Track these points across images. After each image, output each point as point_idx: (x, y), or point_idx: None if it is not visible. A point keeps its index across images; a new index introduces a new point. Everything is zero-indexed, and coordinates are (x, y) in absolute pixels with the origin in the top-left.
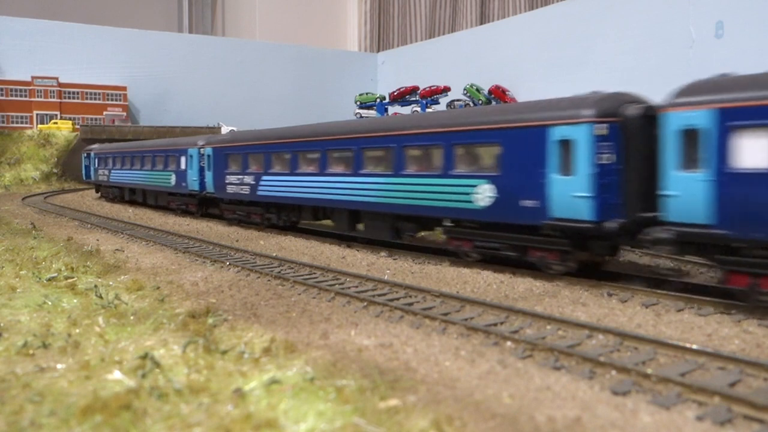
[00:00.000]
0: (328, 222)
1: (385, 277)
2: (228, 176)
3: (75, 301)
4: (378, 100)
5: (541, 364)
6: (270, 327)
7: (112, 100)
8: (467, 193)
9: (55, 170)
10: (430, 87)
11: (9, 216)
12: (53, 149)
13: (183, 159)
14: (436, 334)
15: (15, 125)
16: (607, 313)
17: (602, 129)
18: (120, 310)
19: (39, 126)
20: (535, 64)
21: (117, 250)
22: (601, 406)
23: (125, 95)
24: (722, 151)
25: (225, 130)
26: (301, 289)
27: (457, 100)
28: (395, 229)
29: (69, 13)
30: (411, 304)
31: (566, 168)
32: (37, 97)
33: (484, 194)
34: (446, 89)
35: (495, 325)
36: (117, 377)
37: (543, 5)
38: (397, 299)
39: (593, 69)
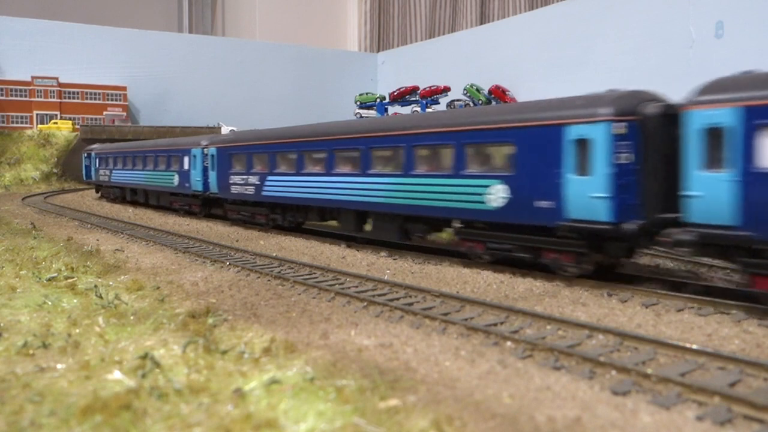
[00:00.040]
0: (333, 223)
1: (385, 277)
2: (232, 176)
3: (75, 301)
4: (378, 100)
5: (541, 364)
6: (270, 327)
7: (112, 100)
8: (479, 194)
9: (55, 170)
10: (430, 87)
11: (9, 216)
12: (53, 149)
13: (186, 159)
14: (436, 334)
15: (15, 125)
16: (607, 313)
17: (620, 128)
18: (120, 310)
19: (39, 126)
20: (535, 64)
21: (117, 250)
22: (601, 406)
23: (125, 95)
24: (748, 150)
25: (225, 130)
26: (301, 289)
27: (457, 100)
28: (404, 230)
29: (69, 13)
30: (411, 304)
31: (583, 168)
32: (37, 97)
33: (497, 195)
34: (446, 89)
35: (495, 325)
36: (117, 377)
37: (543, 5)
38: (397, 299)
39: (593, 69)
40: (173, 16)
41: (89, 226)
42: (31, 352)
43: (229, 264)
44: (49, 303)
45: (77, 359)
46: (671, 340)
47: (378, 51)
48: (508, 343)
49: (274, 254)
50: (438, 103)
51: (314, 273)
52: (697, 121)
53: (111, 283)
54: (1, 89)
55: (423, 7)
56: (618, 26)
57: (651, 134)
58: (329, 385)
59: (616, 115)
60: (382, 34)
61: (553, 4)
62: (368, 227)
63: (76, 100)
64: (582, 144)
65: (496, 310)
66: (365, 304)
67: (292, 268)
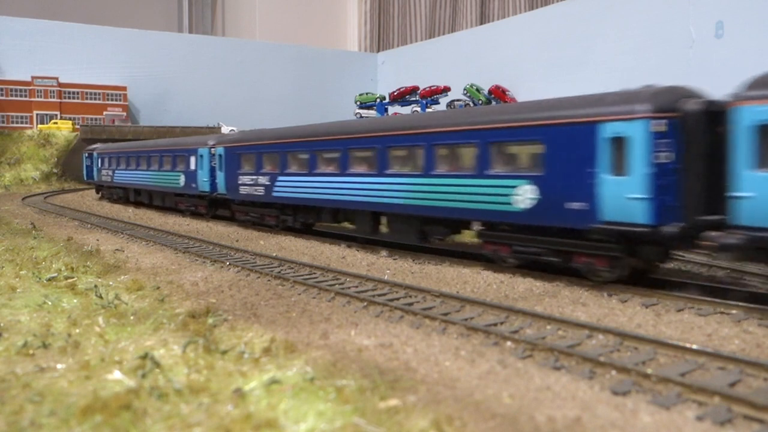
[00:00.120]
0: (345, 225)
1: (385, 277)
2: (241, 177)
3: (75, 301)
4: (378, 100)
5: (541, 364)
6: (270, 327)
7: (112, 100)
8: (505, 195)
9: (55, 170)
10: (430, 87)
11: (9, 216)
12: (53, 149)
13: (192, 159)
14: (436, 334)
15: (15, 125)
16: (607, 313)
17: (660, 125)
18: (120, 310)
19: (39, 126)
20: (535, 64)
21: (117, 250)
22: (601, 406)
23: (125, 95)
24: None
25: (225, 130)
26: (301, 289)
27: (457, 100)
28: (422, 232)
29: (69, 13)
30: (411, 304)
31: (619, 167)
32: (37, 97)
33: (524, 195)
34: (446, 89)
35: (495, 325)
36: (117, 377)
37: (543, 5)
38: (397, 299)
39: (593, 69)
40: (173, 16)
41: (89, 226)
42: (31, 352)
43: (229, 264)
44: (49, 303)
45: (77, 359)
46: (671, 340)
47: (378, 51)
48: (508, 343)
49: (274, 254)
50: (438, 103)
51: (314, 273)
52: (747, 118)
53: (111, 283)
54: (1, 89)
55: (423, 7)
56: (618, 26)
57: (692, 132)
58: (329, 385)
59: (655, 112)
60: (382, 34)
61: (553, 4)
62: (384, 229)
63: (76, 100)
64: (618, 142)
65: (496, 310)
66: (365, 304)
67: (292, 268)
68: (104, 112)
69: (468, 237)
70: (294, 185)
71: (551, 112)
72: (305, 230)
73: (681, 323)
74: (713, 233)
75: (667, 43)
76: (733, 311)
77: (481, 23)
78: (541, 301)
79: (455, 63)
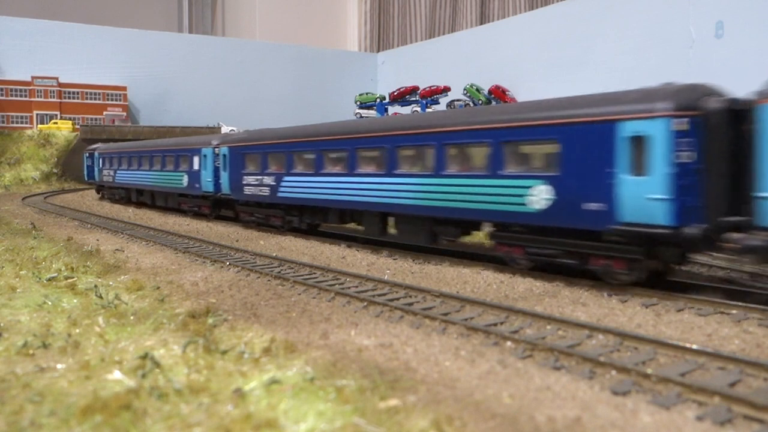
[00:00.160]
0: (352, 225)
1: (385, 277)
2: (246, 177)
3: (75, 301)
4: (378, 100)
5: (541, 364)
6: (270, 327)
7: (112, 100)
8: (519, 195)
9: (55, 170)
10: (430, 87)
11: (9, 216)
12: (53, 149)
13: (196, 159)
14: (436, 334)
15: (15, 125)
16: (607, 313)
17: (682, 124)
18: (120, 310)
19: (39, 126)
20: (535, 64)
21: (117, 250)
22: (601, 406)
23: (125, 95)
24: None
25: (225, 129)
26: (301, 289)
27: (457, 100)
28: (432, 233)
29: (69, 13)
30: (411, 304)
31: (639, 167)
32: (37, 97)
33: (539, 196)
34: (446, 89)
35: (495, 325)
36: (117, 377)
37: (543, 5)
38: (397, 299)
39: (593, 69)
40: (173, 16)
41: (89, 226)
42: (31, 352)
43: (229, 264)
44: (49, 303)
45: (77, 359)
46: (671, 340)
47: (378, 51)
48: (508, 343)
49: (274, 254)
50: (438, 103)
51: (314, 273)
52: None
53: (111, 283)
54: (1, 89)
55: (423, 7)
56: (618, 26)
57: (714, 131)
58: (329, 385)
59: (676, 110)
60: (382, 34)
61: (553, 4)
62: (392, 230)
63: (76, 100)
64: (638, 141)
65: (496, 310)
66: (365, 304)
67: (292, 268)
68: (104, 112)
69: (477, 238)
70: (300, 185)
71: (567, 111)
72: (310, 231)
73: (681, 323)
74: (736, 235)
75: (667, 43)
76: (733, 311)
77: (481, 23)
78: (541, 301)
79: (455, 63)
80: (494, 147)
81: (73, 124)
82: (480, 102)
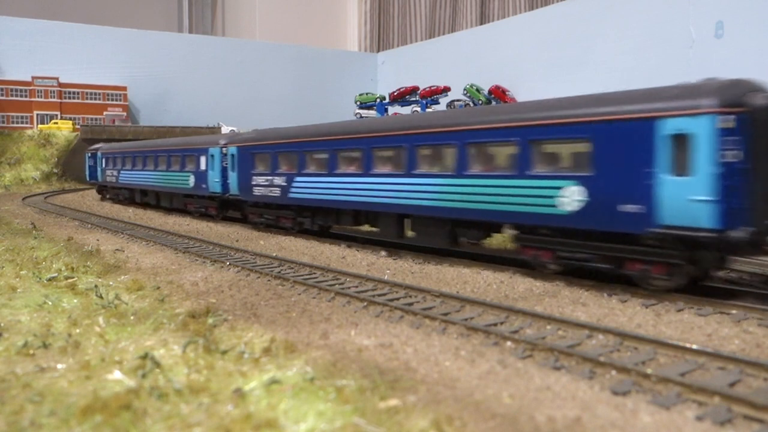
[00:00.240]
0: (365, 227)
1: (385, 277)
2: (255, 177)
3: (75, 301)
4: (378, 100)
5: (541, 364)
6: (270, 327)
7: (112, 100)
8: (549, 196)
9: (55, 170)
10: (430, 87)
11: (9, 216)
12: (53, 149)
13: (203, 159)
14: (436, 334)
15: (15, 125)
16: (607, 313)
17: (728, 121)
18: (120, 310)
19: (39, 126)
20: (535, 64)
21: (117, 250)
22: (601, 406)
23: (125, 95)
24: None
25: (225, 130)
26: (301, 289)
27: (457, 100)
28: (453, 235)
29: (69, 13)
30: (411, 304)
31: (681, 167)
32: (38, 97)
33: (571, 197)
34: (446, 89)
35: (495, 325)
36: (117, 377)
37: (543, 5)
38: (397, 299)
39: (593, 69)
40: (173, 16)
41: (89, 226)
42: (31, 352)
43: (229, 264)
44: (50, 303)
45: (77, 359)
46: (671, 340)
47: (378, 51)
48: (508, 343)
49: (274, 254)
50: (438, 103)
51: (314, 273)
52: None
53: (111, 283)
54: (2, 89)
55: (423, 7)
56: (618, 26)
57: (761, 129)
58: (329, 385)
59: (722, 107)
60: (382, 34)
61: (553, 4)
62: (410, 232)
63: (76, 100)
64: (680, 140)
65: (496, 310)
66: (365, 304)
67: (292, 268)
68: (104, 112)
69: (495, 241)
70: (313, 186)
71: (602, 108)
72: (323, 233)
73: (681, 323)
74: None
75: (667, 43)
76: (733, 311)
77: (481, 23)
78: (541, 301)
79: (455, 63)
80: (522, 146)
81: (73, 124)
82: (480, 102)
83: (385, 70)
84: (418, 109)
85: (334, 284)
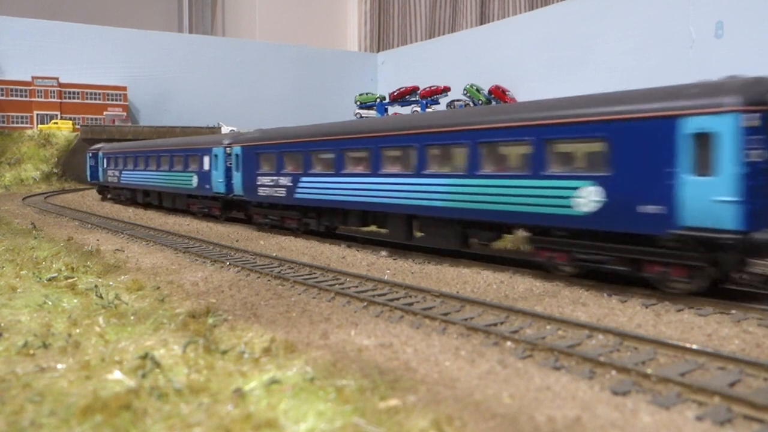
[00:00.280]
0: (372, 228)
1: (385, 277)
2: (260, 177)
3: (75, 301)
4: (378, 100)
5: (541, 364)
6: (270, 327)
7: (112, 100)
8: (565, 197)
9: (55, 170)
10: (430, 87)
11: (9, 216)
12: (53, 149)
13: (207, 159)
14: (436, 334)
15: (15, 125)
16: (607, 313)
17: (754, 120)
18: (120, 310)
19: (39, 126)
20: (535, 64)
21: (117, 250)
22: (601, 406)
23: (125, 95)
24: None
25: (225, 130)
26: (301, 289)
27: (457, 100)
28: (464, 237)
29: (69, 13)
30: (411, 304)
31: (704, 167)
32: (38, 97)
33: (588, 198)
34: (446, 89)
35: (495, 325)
36: (117, 377)
37: (543, 5)
38: (397, 299)
39: (593, 69)
40: (173, 16)
41: (89, 226)
42: (31, 352)
43: (229, 264)
44: (50, 303)
45: (77, 359)
46: (671, 340)
47: (378, 51)
48: (508, 343)
49: (274, 254)
50: (438, 103)
51: (314, 273)
52: None
53: (111, 283)
54: (2, 89)
55: (423, 7)
56: (618, 26)
57: None
58: (329, 385)
59: (746, 105)
60: (382, 34)
61: (553, 4)
62: (418, 233)
63: (76, 100)
64: (702, 139)
65: (496, 310)
66: (365, 304)
67: (292, 268)
68: (104, 112)
69: (505, 242)
70: (319, 186)
71: (620, 107)
72: (329, 234)
73: (681, 323)
74: None
75: (667, 43)
76: (733, 311)
77: (481, 23)
78: (541, 301)
79: (455, 63)
80: (536, 145)
81: (73, 124)
82: (480, 102)
83: (385, 70)
84: (418, 109)
85: (334, 284)
